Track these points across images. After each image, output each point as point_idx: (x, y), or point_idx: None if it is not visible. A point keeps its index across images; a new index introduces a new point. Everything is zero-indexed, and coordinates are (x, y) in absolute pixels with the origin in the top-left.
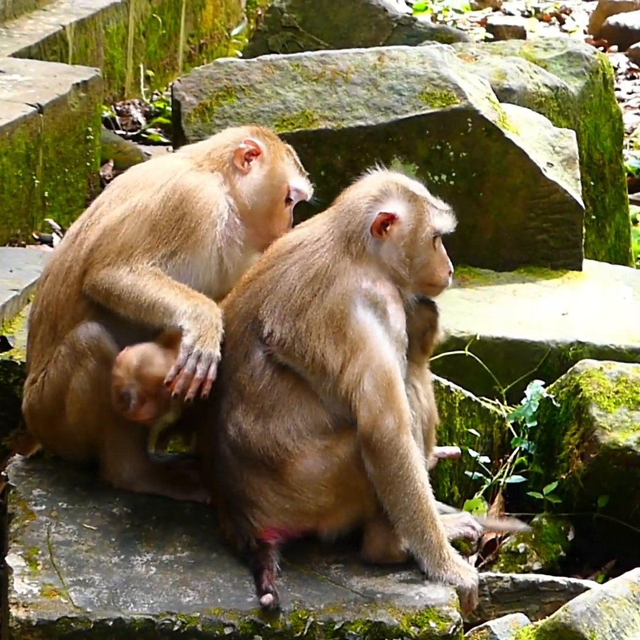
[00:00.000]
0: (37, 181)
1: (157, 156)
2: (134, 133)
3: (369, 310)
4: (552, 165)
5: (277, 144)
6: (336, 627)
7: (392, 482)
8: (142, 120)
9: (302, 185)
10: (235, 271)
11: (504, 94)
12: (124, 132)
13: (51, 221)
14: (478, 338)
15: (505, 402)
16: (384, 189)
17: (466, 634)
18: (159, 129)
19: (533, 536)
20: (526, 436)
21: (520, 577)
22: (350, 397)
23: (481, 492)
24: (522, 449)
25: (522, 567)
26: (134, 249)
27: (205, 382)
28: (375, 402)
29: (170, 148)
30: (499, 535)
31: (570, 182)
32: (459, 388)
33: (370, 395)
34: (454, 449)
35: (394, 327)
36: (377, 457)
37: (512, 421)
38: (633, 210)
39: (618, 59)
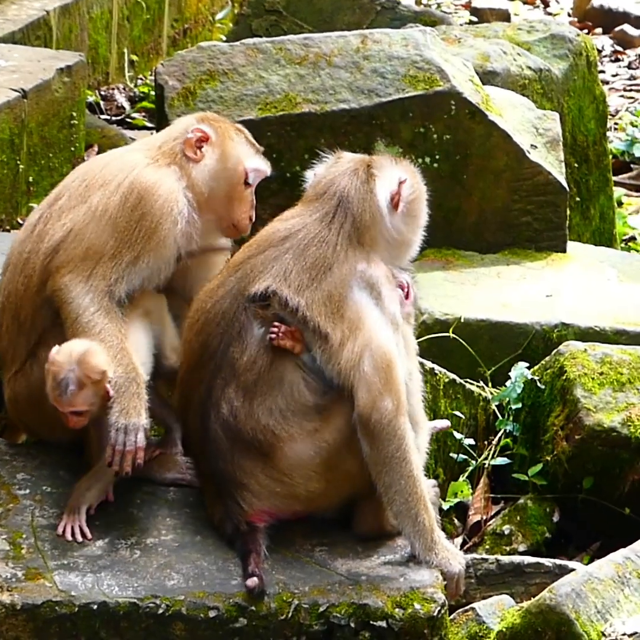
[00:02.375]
0: (21, 166)
1: (117, 148)
2: (119, 118)
3: (365, 291)
4: (535, 147)
5: (225, 126)
6: (321, 609)
7: (389, 463)
8: (126, 105)
9: (258, 164)
10: (195, 266)
11: (488, 77)
12: (108, 117)
13: (35, 206)
14: (462, 320)
15: (489, 384)
16: (368, 165)
17: (451, 616)
18: (143, 114)
19: (518, 518)
20: (511, 418)
21: (506, 559)
22: (349, 376)
23: (466, 474)
24: (507, 430)
25: (508, 548)
26: (99, 256)
27: (137, 451)
28: (374, 383)
29: (154, 132)
30: (484, 517)
31: (554, 164)
32: (444, 370)
33: (370, 377)
34: (443, 422)
35: (388, 309)
36: (375, 438)
37: (496, 403)
38: (617, 192)
39: (602, 42)
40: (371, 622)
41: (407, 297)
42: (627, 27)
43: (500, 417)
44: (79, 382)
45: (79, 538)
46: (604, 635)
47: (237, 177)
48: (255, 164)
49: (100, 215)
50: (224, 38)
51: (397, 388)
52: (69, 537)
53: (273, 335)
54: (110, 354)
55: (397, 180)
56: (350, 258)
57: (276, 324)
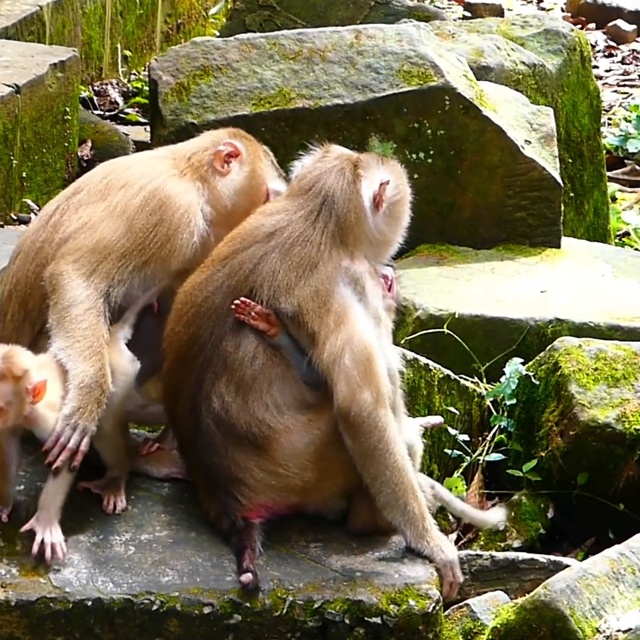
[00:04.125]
0: (15, 161)
1: (142, 152)
2: (112, 113)
3: (349, 286)
4: (530, 142)
5: (255, 146)
6: (315, 605)
7: (372, 455)
8: (119, 100)
9: (280, 187)
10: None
11: (482, 72)
12: (101, 113)
13: (29, 201)
14: (457, 316)
15: (484, 380)
16: (354, 165)
17: (446, 612)
18: (136, 109)
19: (513, 514)
20: (505, 414)
21: (500, 555)
22: (330, 370)
23: (461, 470)
24: (502, 426)
25: (502, 545)
26: (108, 251)
27: (77, 453)
28: (353, 376)
29: (148, 128)
30: None
31: (548, 160)
32: (438, 366)
33: (350, 370)
34: (437, 419)
35: (371, 304)
36: (355, 431)
37: (491, 399)
38: (611, 187)
39: (596, 37)
40: (366, 619)
41: (389, 289)
42: (620, 22)
43: (495, 413)
44: (1, 374)
45: (60, 556)
46: (598, 631)
47: (259, 195)
48: (277, 186)
49: (119, 214)
50: (217, 33)
51: (377, 380)
52: (48, 556)
53: (243, 317)
54: (88, 353)
55: (384, 180)
56: (334, 256)
57: (243, 300)
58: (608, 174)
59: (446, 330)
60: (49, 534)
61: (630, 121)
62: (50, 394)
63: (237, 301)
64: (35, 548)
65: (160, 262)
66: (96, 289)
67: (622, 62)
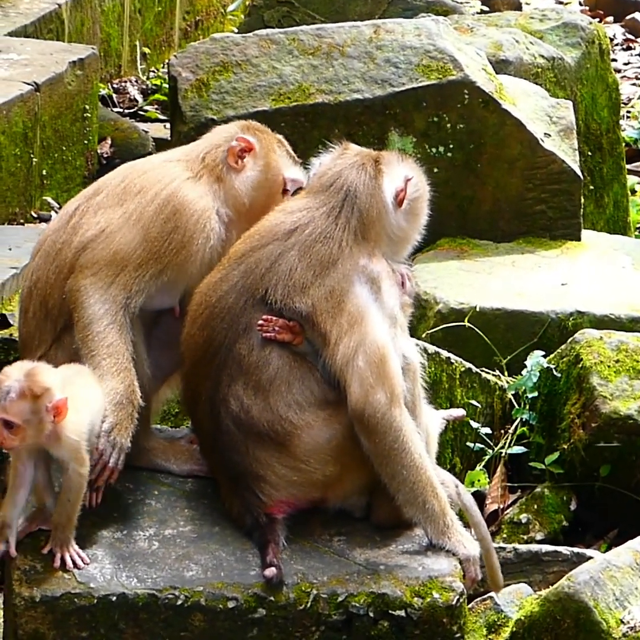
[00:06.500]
0: (34, 159)
1: (159, 154)
2: (131, 110)
3: (366, 286)
4: (549, 135)
5: (268, 137)
6: (340, 599)
7: (388, 455)
8: (139, 97)
9: (297, 175)
10: None
11: (500, 66)
12: (121, 110)
13: (49, 199)
14: (478, 309)
15: (505, 373)
16: (376, 161)
17: (470, 605)
18: (156, 106)
19: (535, 506)
20: (527, 406)
21: (523, 548)
22: (343, 371)
23: (483, 463)
24: (523, 419)
25: (525, 537)
26: (125, 263)
27: (114, 471)
28: (367, 377)
29: (168, 125)
30: (501, 506)
31: (567, 152)
32: (459, 359)
33: (363, 371)
34: (459, 411)
35: (387, 303)
36: (370, 432)
37: (513, 392)
38: (631, 180)
39: (614, 30)
40: (390, 612)
41: (403, 285)
42: (638, 15)
43: (517, 406)
44: (20, 391)
45: (81, 565)
46: (622, 622)
47: (276, 186)
48: (294, 174)
49: (134, 222)
50: (236, 30)
51: (391, 381)
52: (70, 566)
53: (268, 334)
54: (115, 370)
55: (403, 177)
56: (354, 253)
57: (266, 317)
58: (627, 166)
59: (467, 324)
60: (68, 554)
61: None
62: (77, 414)
63: (260, 321)
64: (57, 564)
65: (177, 269)
66: (114, 301)
67: None
